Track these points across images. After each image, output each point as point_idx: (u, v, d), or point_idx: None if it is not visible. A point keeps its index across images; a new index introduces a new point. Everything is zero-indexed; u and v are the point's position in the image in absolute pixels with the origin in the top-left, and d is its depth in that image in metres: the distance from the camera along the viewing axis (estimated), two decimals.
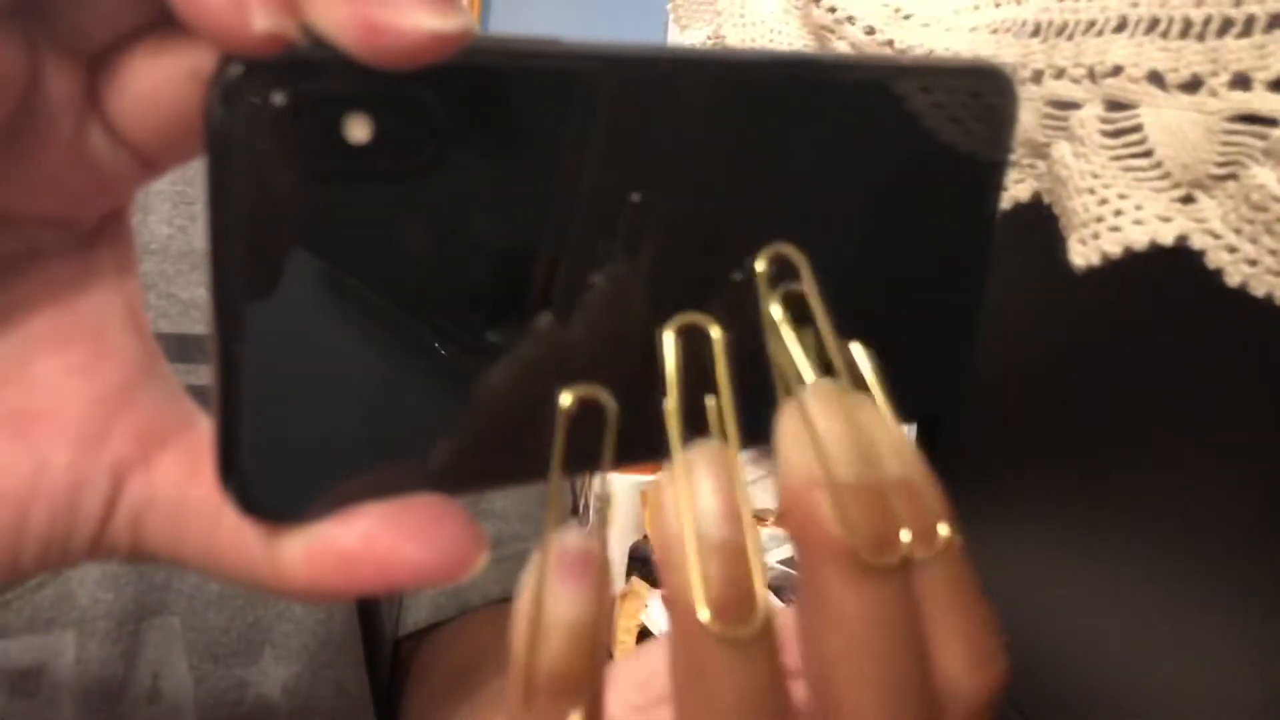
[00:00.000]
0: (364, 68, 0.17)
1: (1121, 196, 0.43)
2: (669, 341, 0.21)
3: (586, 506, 1.65)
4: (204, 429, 0.22)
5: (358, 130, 0.18)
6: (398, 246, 0.19)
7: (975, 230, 0.24)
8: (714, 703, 0.19)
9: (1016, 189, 0.49)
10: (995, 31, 0.49)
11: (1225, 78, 0.40)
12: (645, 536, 1.56)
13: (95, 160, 0.20)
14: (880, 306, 0.24)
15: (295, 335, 0.19)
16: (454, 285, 0.20)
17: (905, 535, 0.20)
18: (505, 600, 0.54)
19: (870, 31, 0.52)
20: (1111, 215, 0.43)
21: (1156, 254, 0.43)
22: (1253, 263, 0.40)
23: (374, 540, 0.20)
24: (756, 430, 0.21)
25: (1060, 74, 0.46)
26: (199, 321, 0.43)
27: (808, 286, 0.21)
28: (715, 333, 0.21)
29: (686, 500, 0.20)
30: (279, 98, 0.17)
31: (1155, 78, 0.42)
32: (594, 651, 0.20)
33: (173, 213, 0.44)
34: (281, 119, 0.17)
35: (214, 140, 0.17)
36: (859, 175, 0.23)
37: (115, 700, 0.43)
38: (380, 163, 0.18)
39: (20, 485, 0.20)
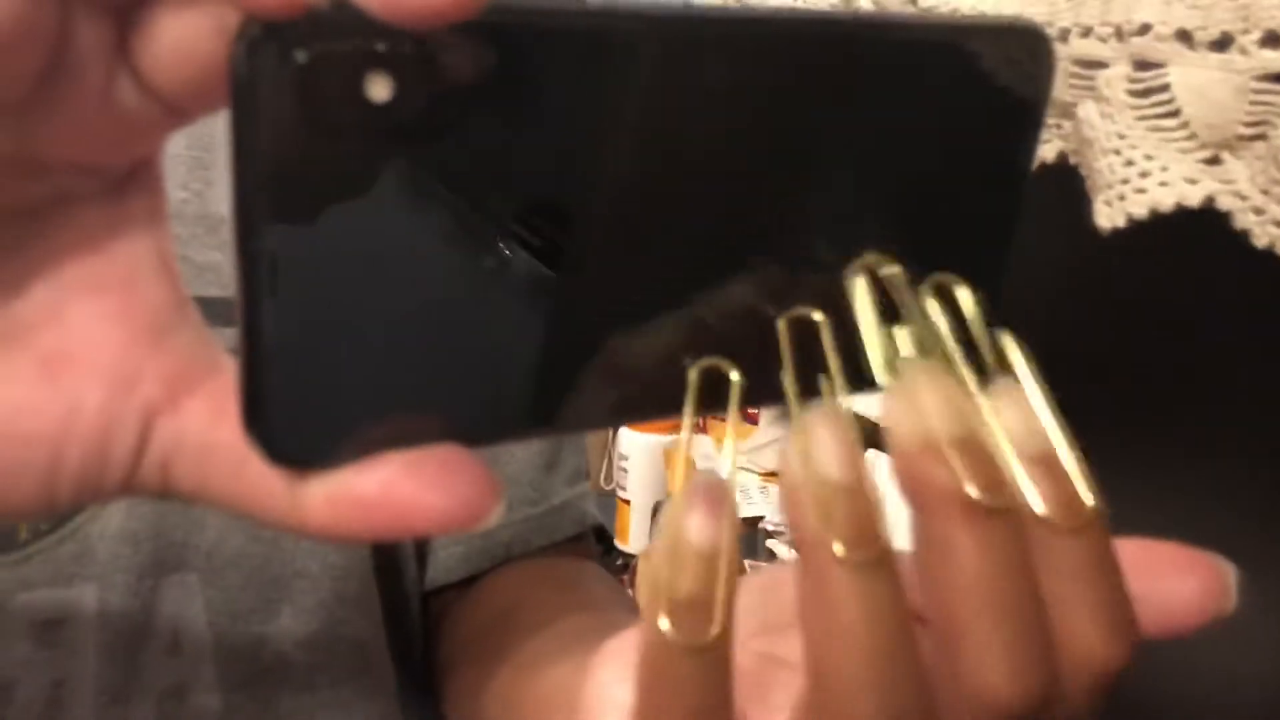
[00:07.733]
0: (386, 26, 0.18)
1: (1148, 158, 0.42)
2: (783, 329, 0.23)
3: (611, 461, 1.66)
4: (231, 375, 0.22)
5: (378, 89, 0.18)
6: (417, 201, 0.19)
7: (1008, 188, 0.25)
8: (839, 620, 0.21)
9: (1043, 149, 0.48)
10: None
11: (1256, 35, 0.39)
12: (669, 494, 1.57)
13: (125, 108, 0.20)
14: (911, 257, 0.24)
15: (317, 286, 0.19)
16: (475, 241, 0.20)
17: (1040, 507, 0.22)
18: (525, 556, 0.56)
19: None
20: (1137, 176, 0.42)
21: (1185, 214, 0.42)
22: None
23: (393, 487, 0.20)
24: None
25: (1087, 32, 0.45)
26: (213, 284, 0.43)
27: (967, 307, 0.24)
28: (820, 318, 0.23)
29: (812, 454, 0.22)
30: (301, 56, 0.18)
31: (1184, 36, 0.41)
32: (728, 576, 0.22)
33: (188, 177, 0.44)
34: (304, 77, 0.18)
35: (238, 98, 0.18)
36: (895, 132, 0.23)
37: (136, 651, 0.44)
38: (400, 120, 0.18)
39: (54, 426, 0.21)
